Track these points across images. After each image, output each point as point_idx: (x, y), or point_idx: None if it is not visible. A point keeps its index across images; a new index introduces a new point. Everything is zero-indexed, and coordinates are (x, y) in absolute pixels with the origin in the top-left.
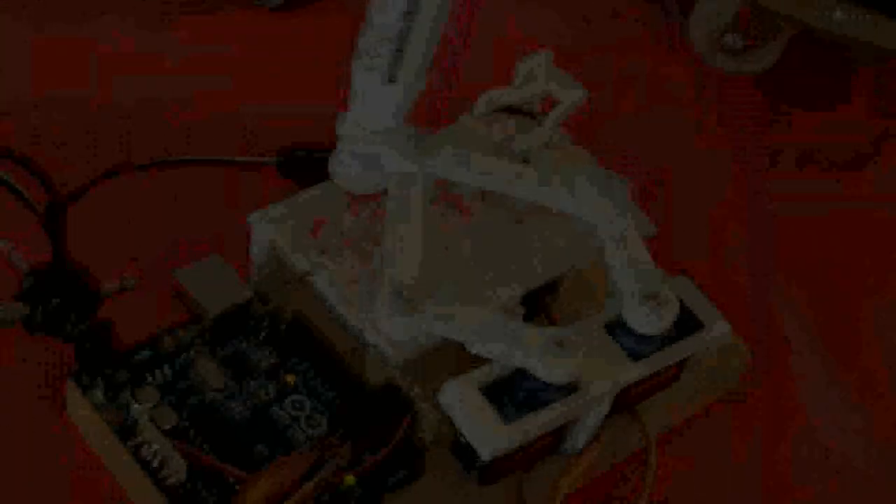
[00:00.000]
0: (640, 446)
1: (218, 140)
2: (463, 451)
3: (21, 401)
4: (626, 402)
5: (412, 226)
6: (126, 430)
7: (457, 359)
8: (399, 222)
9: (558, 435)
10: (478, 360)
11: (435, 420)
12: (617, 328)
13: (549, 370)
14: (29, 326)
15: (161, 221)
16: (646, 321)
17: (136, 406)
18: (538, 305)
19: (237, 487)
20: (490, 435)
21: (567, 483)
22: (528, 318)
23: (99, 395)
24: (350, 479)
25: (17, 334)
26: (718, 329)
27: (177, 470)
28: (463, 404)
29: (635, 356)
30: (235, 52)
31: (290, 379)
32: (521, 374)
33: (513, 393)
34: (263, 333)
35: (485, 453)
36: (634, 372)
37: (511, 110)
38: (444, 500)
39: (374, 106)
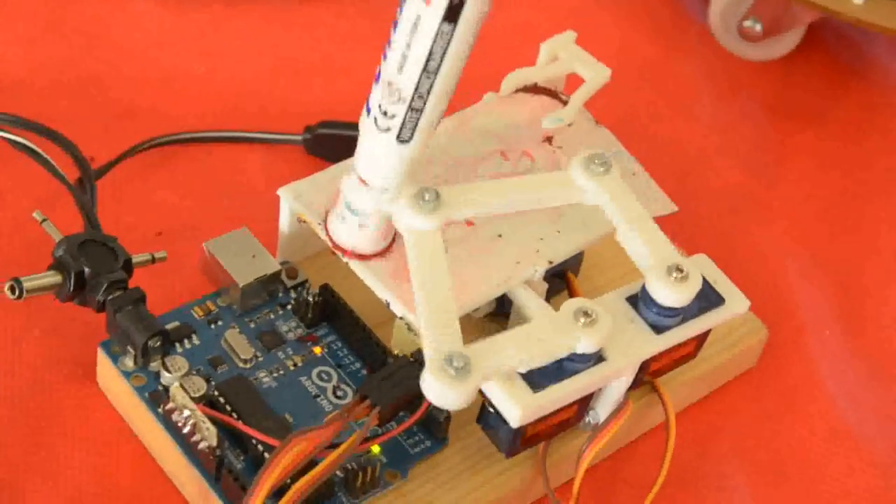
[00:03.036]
0: (660, 421)
1: (245, 118)
2: (490, 421)
3: (52, 369)
4: (644, 378)
5: (440, 281)
6: (156, 398)
7: (483, 328)
8: (426, 283)
9: (581, 407)
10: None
11: None
12: (639, 301)
13: (577, 340)
14: (60, 295)
15: (187, 197)
16: (670, 293)
17: (166, 374)
18: (561, 281)
19: (265, 455)
20: (519, 402)
21: (590, 456)
22: (550, 294)
23: (129, 363)
24: (376, 448)
25: (49, 303)
26: (738, 304)
27: (207, 435)
28: None
29: (657, 329)
30: (263, 32)
31: (318, 350)
32: None
33: None
34: (291, 305)
35: (514, 420)
36: (658, 343)
37: (536, 90)
38: (468, 471)
39: (384, 164)
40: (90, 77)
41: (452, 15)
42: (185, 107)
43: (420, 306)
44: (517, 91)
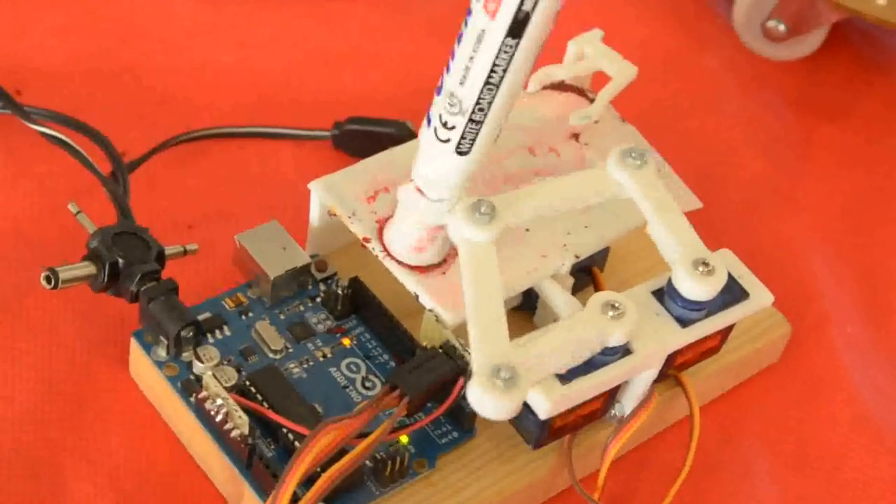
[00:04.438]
0: (685, 414)
1: (276, 110)
2: (518, 413)
3: (86, 356)
4: (669, 371)
5: (493, 293)
6: (188, 387)
7: (512, 320)
8: (480, 294)
9: (607, 400)
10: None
11: None
12: (665, 295)
13: (610, 336)
14: (95, 286)
15: (218, 191)
16: (696, 287)
17: (198, 364)
18: (587, 276)
19: (296, 443)
20: (548, 395)
21: (615, 448)
22: (575, 289)
23: (161, 353)
24: (404, 438)
25: (84, 293)
26: (763, 298)
27: (240, 424)
28: None
29: (683, 322)
30: (295, 24)
31: (347, 342)
32: None
33: None
34: (320, 297)
35: (543, 412)
36: (684, 336)
37: (563, 87)
38: (495, 461)
39: (441, 174)
40: (124, 68)
41: (517, 30)
42: (216, 98)
43: (472, 318)
44: (544, 88)
